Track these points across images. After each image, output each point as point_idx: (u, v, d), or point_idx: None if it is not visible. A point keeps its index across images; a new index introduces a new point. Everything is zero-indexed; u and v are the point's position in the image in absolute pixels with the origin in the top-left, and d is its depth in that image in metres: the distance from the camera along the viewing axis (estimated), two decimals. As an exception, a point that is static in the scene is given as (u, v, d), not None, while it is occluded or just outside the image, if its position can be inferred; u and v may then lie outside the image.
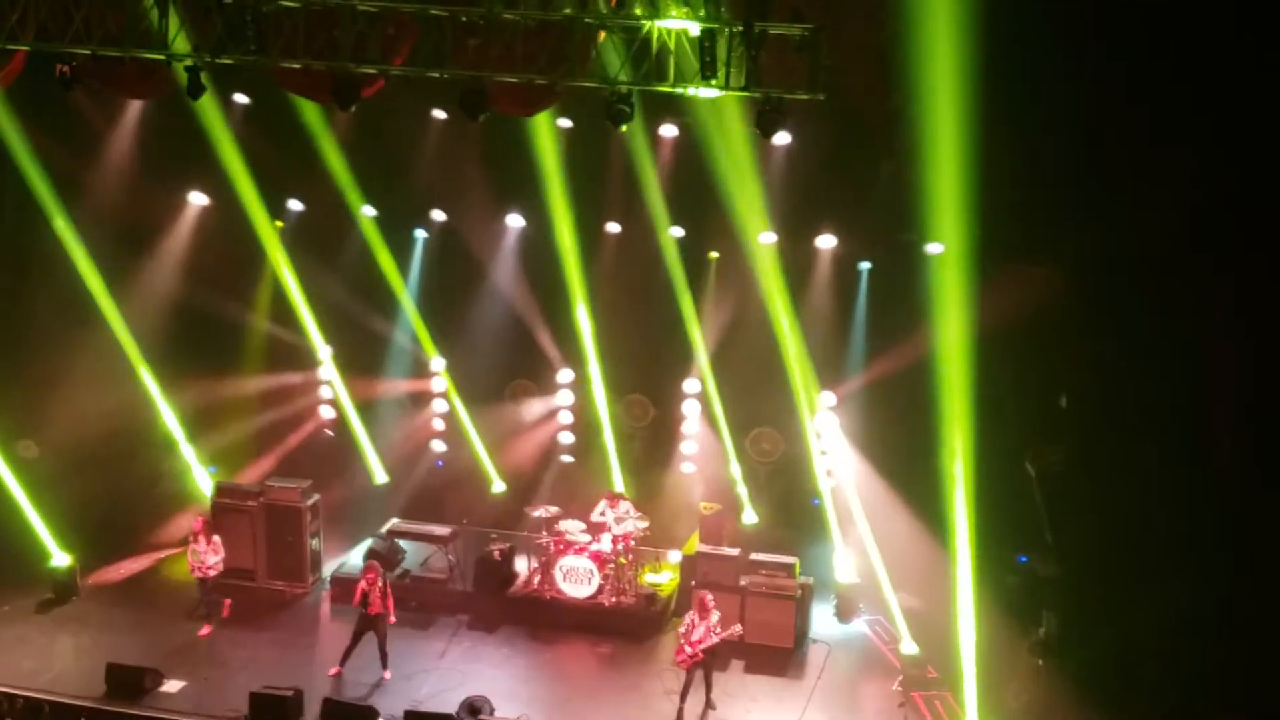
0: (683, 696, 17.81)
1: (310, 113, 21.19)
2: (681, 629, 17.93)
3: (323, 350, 24.42)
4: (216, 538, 19.95)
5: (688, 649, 17.66)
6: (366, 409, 24.75)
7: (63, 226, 21.94)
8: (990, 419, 19.14)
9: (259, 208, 22.76)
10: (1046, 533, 19.24)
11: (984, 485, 18.60)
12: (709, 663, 17.81)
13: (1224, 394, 17.25)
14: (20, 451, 22.07)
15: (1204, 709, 16.20)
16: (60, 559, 21.02)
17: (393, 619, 18.83)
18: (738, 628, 18.00)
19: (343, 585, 21.30)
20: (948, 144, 16.67)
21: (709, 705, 17.96)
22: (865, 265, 21.96)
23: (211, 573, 19.85)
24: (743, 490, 23.14)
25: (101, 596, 20.76)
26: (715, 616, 17.73)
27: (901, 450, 21.31)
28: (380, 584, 18.65)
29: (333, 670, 18.75)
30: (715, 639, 17.63)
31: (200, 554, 19.76)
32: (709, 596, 18.03)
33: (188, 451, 23.55)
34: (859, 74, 16.36)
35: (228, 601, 20.23)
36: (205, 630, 19.83)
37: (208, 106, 20.61)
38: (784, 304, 21.74)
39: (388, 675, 18.78)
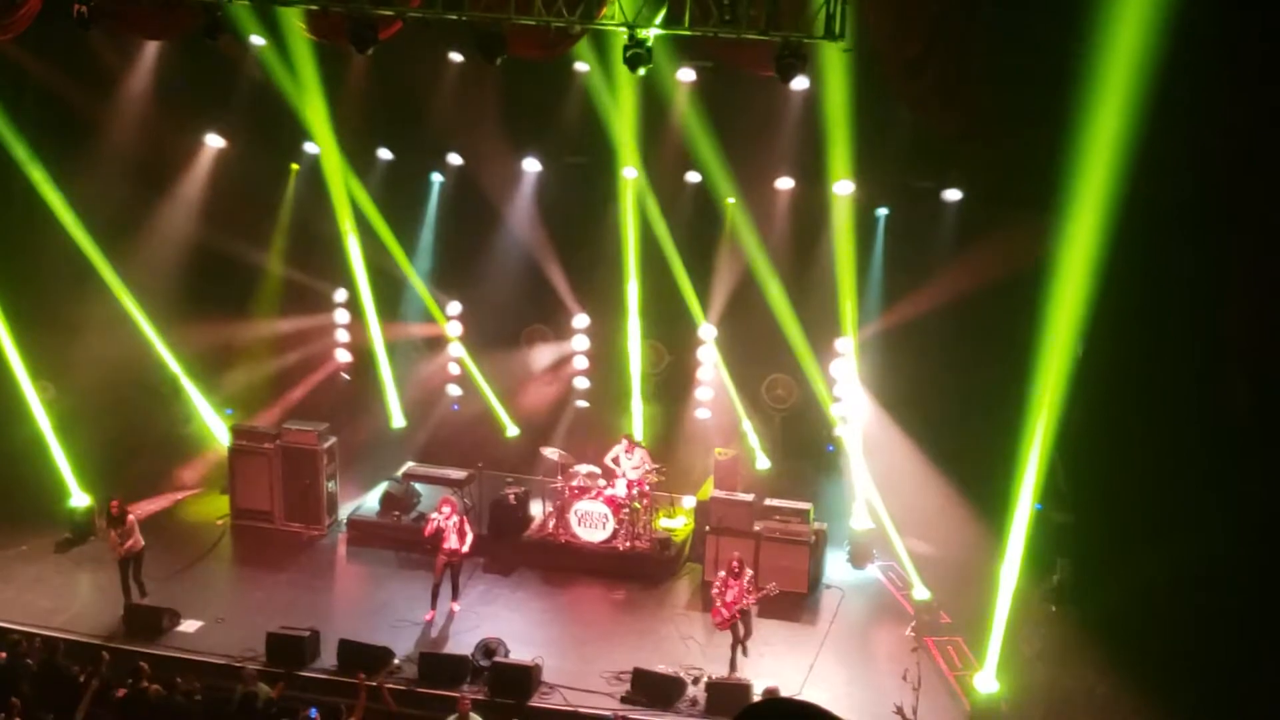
0: (733, 649, 17.88)
1: (326, 55, 21.04)
2: (715, 590, 17.96)
3: (345, 293, 24.41)
4: (131, 517, 18.89)
5: (724, 611, 17.71)
6: (381, 352, 24.69)
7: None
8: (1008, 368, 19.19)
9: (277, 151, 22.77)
10: (1061, 480, 19.23)
11: (1001, 432, 18.61)
12: (746, 621, 17.88)
13: (1239, 350, 17.22)
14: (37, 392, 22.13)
15: (1216, 658, 16.24)
16: (79, 499, 21.16)
17: (465, 549, 18.96)
18: (773, 586, 18.01)
19: (359, 528, 21.45)
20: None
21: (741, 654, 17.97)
22: (883, 211, 21.84)
23: (135, 548, 18.73)
24: (756, 436, 23.12)
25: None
26: (748, 576, 17.77)
27: (916, 395, 21.27)
28: (457, 519, 18.83)
29: (428, 615, 18.95)
30: (750, 600, 17.69)
31: (116, 534, 18.71)
32: (738, 558, 18.07)
33: (201, 395, 23.52)
34: (879, 20, 16.20)
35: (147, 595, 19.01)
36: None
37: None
38: (800, 250, 21.67)
39: (457, 607, 19.07)
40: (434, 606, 18.97)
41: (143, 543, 18.92)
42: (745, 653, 17.99)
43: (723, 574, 17.97)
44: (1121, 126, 15.55)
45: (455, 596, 19.19)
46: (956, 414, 20.54)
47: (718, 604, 17.79)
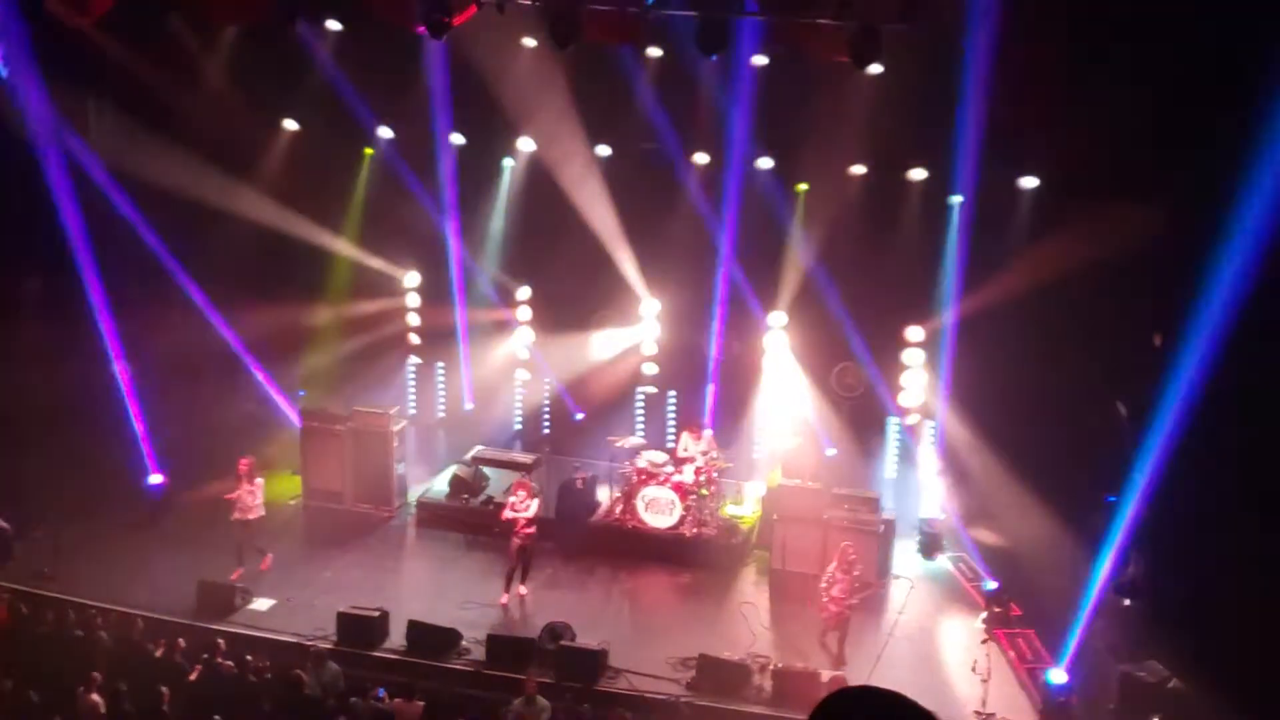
0: (840, 643, 17.72)
1: (401, 40, 21.09)
2: (823, 584, 17.80)
3: (418, 277, 24.53)
4: (260, 480, 19.45)
5: (832, 606, 17.56)
6: (452, 337, 24.80)
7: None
8: (1080, 357, 18.98)
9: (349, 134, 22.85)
10: (1137, 473, 18.97)
11: (1072, 423, 18.39)
12: (850, 617, 17.72)
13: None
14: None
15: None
16: (155, 477, 21.43)
17: (532, 529, 18.97)
18: (881, 583, 17.82)
19: (428, 510, 21.60)
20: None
21: (841, 660, 17.70)
22: (956, 200, 21.58)
23: (251, 515, 19.33)
24: (825, 424, 22.99)
25: (192, 516, 20.99)
26: (857, 570, 17.64)
27: (989, 385, 21.05)
28: (530, 501, 18.92)
29: (502, 599, 19.03)
30: (858, 598, 17.55)
31: (243, 495, 19.22)
32: (851, 549, 17.84)
33: (274, 377, 23.73)
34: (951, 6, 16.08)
35: (269, 556, 19.78)
36: (236, 574, 19.25)
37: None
38: (871, 237, 21.51)
39: (524, 590, 19.13)
40: (507, 590, 19.04)
41: (262, 512, 19.45)
42: (844, 661, 17.59)
43: (832, 567, 17.76)
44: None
45: (524, 580, 19.26)
46: (1029, 404, 20.31)
47: (824, 599, 17.64)
